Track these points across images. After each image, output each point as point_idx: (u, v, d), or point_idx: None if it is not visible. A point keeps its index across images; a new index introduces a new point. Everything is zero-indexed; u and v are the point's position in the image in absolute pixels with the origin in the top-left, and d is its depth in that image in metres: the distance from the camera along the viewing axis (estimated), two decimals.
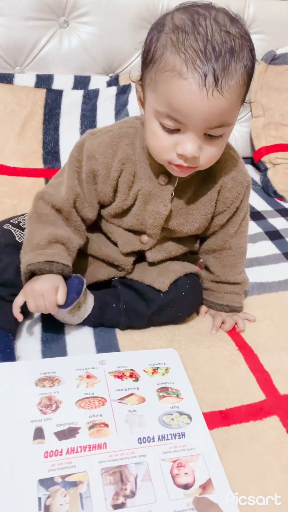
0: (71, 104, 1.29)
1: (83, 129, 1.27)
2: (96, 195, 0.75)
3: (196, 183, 0.75)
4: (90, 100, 1.30)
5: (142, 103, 0.67)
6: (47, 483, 0.50)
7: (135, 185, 0.74)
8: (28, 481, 0.50)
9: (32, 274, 0.70)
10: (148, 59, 0.61)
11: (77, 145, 0.75)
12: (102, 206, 0.78)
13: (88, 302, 0.76)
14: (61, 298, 0.68)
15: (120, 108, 1.29)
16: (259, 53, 1.42)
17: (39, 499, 0.49)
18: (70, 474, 0.52)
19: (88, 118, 1.29)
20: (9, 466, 0.52)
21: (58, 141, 1.26)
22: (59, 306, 0.69)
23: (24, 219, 0.83)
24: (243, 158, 0.82)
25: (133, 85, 1.31)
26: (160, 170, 0.72)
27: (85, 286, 0.73)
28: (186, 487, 0.53)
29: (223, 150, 0.67)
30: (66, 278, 0.71)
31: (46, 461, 0.53)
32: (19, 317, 0.71)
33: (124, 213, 0.77)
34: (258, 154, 1.47)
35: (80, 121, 1.28)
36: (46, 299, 0.67)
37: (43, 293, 0.67)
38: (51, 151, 1.26)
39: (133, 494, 0.51)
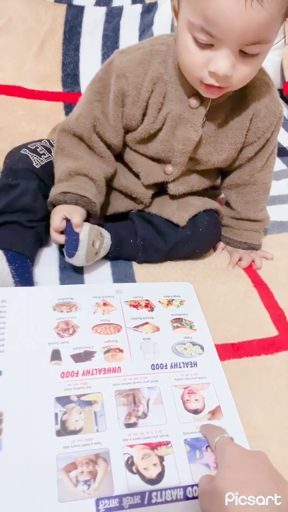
0: (93, 23, 1.21)
1: (104, 51, 1.20)
2: (122, 118, 0.72)
3: (228, 109, 0.71)
4: (113, 19, 1.22)
5: (176, 13, 0.62)
6: (63, 400, 0.53)
7: (164, 107, 0.71)
8: (45, 398, 0.53)
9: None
10: None
11: (104, 65, 0.72)
12: (127, 131, 0.75)
13: (105, 245, 0.75)
14: (77, 220, 0.68)
15: (145, 29, 1.21)
16: None
17: (56, 414, 0.51)
18: (85, 394, 0.54)
19: (110, 39, 1.21)
20: (27, 384, 0.54)
21: (78, 63, 1.20)
22: (67, 257, 0.70)
23: (42, 145, 0.81)
24: None
25: (159, 2, 1.22)
26: (192, 92, 0.68)
27: (100, 231, 0.73)
28: (196, 412, 0.55)
29: (257, 71, 0.63)
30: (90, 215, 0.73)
31: (62, 380, 0.55)
32: (60, 239, 0.71)
33: (150, 138, 0.74)
34: None
35: (102, 42, 1.21)
36: (53, 221, 0.70)
37: (52, 217, 0.70)
38: (70, 73, 1.20)
39: (145, 415, 0.53)
